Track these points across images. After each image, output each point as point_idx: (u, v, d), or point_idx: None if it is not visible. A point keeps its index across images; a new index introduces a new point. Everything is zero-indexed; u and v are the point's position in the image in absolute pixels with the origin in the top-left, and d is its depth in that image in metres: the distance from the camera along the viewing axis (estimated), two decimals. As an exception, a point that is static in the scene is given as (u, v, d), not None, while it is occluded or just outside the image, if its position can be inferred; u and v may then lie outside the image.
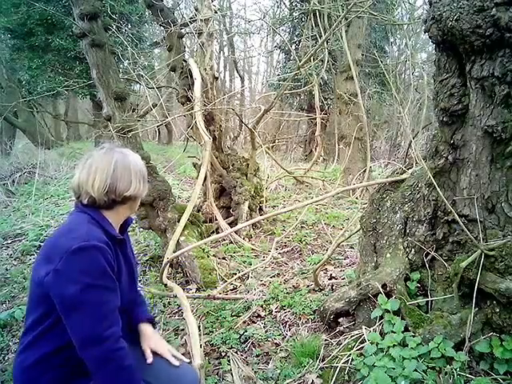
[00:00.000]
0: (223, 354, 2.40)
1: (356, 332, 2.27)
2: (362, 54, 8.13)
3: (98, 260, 1.22)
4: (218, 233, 4.32)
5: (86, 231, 1.26)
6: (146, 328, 1.60)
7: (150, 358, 1.48)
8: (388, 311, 2.15)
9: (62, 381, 1.30)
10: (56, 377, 1.30)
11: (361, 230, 2.66)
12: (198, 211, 4.71)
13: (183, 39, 4.98)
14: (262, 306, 2.92)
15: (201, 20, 4.52)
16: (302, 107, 13.73)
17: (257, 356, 2.38)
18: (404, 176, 2.49)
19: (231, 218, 4.87)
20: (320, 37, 5.57)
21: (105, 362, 1.21)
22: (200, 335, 2.39)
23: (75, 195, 1.38)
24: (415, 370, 1.83)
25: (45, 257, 1.28)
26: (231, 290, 3.34)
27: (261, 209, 5.20)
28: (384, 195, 2.52)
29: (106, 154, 1.36)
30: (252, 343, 2.49)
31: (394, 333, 2.06)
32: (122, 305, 1.40)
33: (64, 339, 1.27)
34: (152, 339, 1.56)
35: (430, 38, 1.86)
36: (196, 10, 4.72)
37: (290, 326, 2.68)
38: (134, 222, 3.03)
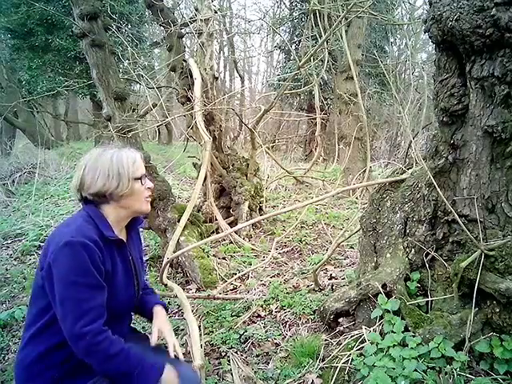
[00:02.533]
0: (223, 353, 2.40)
1: (356, 332, 2.27)
2: (362, 54, 8.14)
3: (81, 257, 1.23)
4: (218, 233, 4.32)
5: (77, 227, 1.29)
6: (158, 309, 1.65)
7: (154, 341, 1.50)
8: (388, 311, 2.15)
9: (64, 378, 1.31)
10: (57, 374, 1.30)
11: (361, 230, 2.66)
12: (198, 211, 4.71)
13: (183, 39, 4.99)
14: (261, 306, 2.92)
15: (201, 20, 4.52)
16: (302, 107, 13.73)
17: (257, 356, 2.38)
18: (404, 176, 2.49)
19: (231, 218, 4.87)
20: (320, 37, 5.57)
21: (90, 354, 1.25)
22: (200, 335, 2.39)
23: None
24: (415, 370, 1.83)
25: (43, 252, 1.32)
26: (231, 290, 3.34)
27: (261, 209, 5.20)
28: (384, 195, 2.52)
29: (89, 153, 1.41)
30: (252, 343, 2.49)
31: (394, 333, 2.06)
32: (119, 305, 1.41)
33: (64, 335, 1.27)
34: (162, 320, 1.60)
35: (430, 38, 1.86)
36: (196, 9, 4.73)
37: (290, 325, 2.68)
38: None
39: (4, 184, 7.44)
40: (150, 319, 1.64)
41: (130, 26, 12.28)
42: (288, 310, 2.83)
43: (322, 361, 2.20)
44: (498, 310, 1.90)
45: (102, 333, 1.26)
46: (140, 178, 1.41)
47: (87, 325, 1.23)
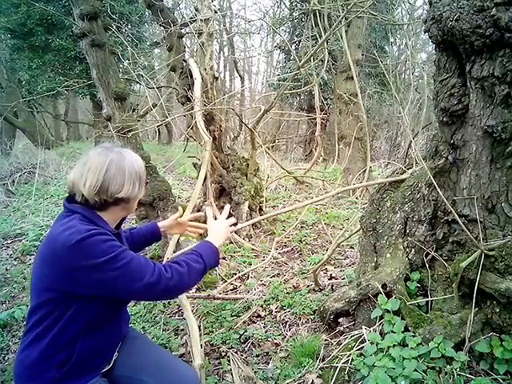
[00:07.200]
0: (223, 353, 2.40)
1: (356, 332, 2.27)
2: (362, 54, 8.13)
3: (98, 239, 1.22)
4: (217, 233, 4.30)
5: (81, 226, 1.24)
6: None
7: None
8: (388, 311, 2.15)
9: (64, 378, 1.30)
10: (58, 374, 1.29)
11: (361, 230, 2.66)
12: (198, 211, 4.71)
13: (183, 39, 4.98)
14: (262, 306, 2.92)
15: (201, 20, 4.51)
16: (302, 107, 13.74)
17: (257, 356, 2.38)
18: (404, 176, 2.49)
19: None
20: (320, 37, 5.57)
21: (173, 290, 1.31)
22: (200, 335, 2.38)
23: (70, 193, 1.35)
24: (415, 370, 1.83)
25: (50, 263, 1.25)
26: (231, 290, 3.34)
27: (261, 209, 5.20)
28: (384, 195, 2.52)
29: (101, 154, 1.32)
30: (252, 343, 2.49)
31: (394, 333, 2.06)
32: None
33: (65, 337, 1.28)
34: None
35: (430, 38, 1.86)
36: (196, 10, 4.72)
37: (290, 325, 2.68)
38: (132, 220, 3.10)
39: (4, 184, 7.43)
40: (157, 235, 1.90)
41: (130, 26, 12.26)
42: (288, 309, 2.83)
43: (322, 361, 2.20)
44: (498, 310, 1.90)
45: (165, 268, 1.30)
46: None
47: (152, 272, 1.26)
